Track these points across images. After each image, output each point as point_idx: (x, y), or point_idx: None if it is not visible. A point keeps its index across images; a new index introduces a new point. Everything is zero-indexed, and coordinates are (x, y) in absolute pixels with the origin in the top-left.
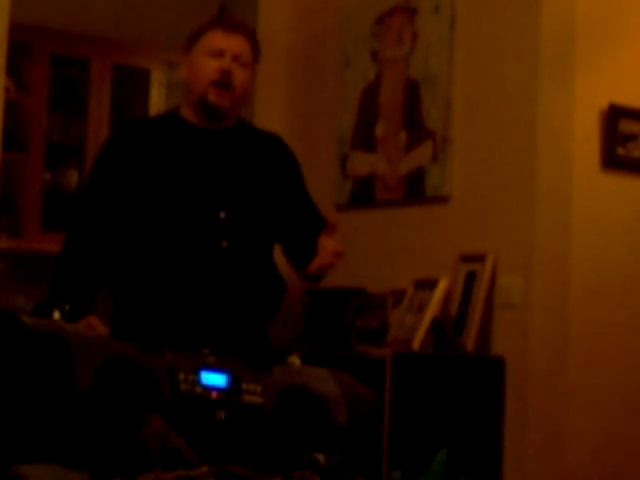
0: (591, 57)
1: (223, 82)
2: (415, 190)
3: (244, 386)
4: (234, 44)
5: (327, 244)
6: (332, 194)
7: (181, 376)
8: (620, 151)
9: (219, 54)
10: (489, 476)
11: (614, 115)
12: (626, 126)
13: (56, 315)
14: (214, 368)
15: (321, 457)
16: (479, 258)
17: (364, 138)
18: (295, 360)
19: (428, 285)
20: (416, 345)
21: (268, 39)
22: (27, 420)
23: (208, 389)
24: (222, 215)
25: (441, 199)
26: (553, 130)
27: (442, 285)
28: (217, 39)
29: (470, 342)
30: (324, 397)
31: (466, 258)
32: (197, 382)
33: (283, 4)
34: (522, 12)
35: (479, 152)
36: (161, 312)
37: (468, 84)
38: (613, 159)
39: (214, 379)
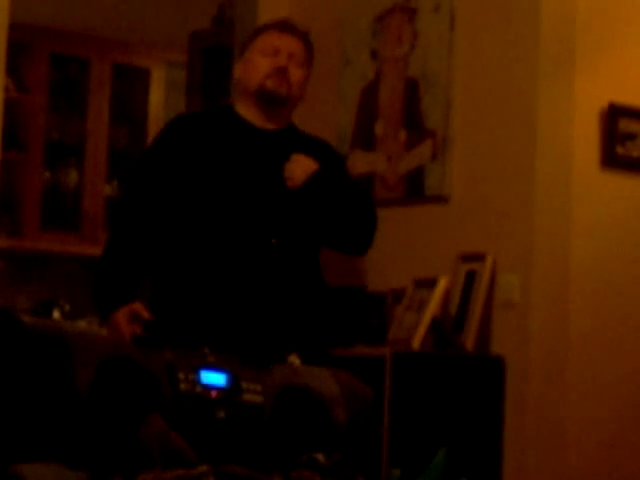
0: (591, 57)
1: (280, 77)
2: (415, 189)
3: (244, 385)
4: (289, 43)
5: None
6: None
7: (181, 375)
8: (620, 150)
9: (275, 53)
10: (489, 476)
11: (614, 114)
12: (626, 125)
13: (56, 315)
14: (214, 367)
15: (321, 456)
16: (479, 257)
17: (364, 137)
18: (295, 360)
19: (428, 284)
20: (416, 344)
21: None
22: (27, 420)
23: (208, 388)
24: (274, 211)
25: (441, 198)
26: (553, 129)
27: (442, 284)
28: (272, 38)
29: (470, 341)
30: (324, 396)
31: (466, 257)
32: (197, 381)
33: (283, 4)
34: (522, 12)
35: (479, 152)
36: (207, 306)
37: (468, 84)
38: (613, 158)
39: (214, 378)
